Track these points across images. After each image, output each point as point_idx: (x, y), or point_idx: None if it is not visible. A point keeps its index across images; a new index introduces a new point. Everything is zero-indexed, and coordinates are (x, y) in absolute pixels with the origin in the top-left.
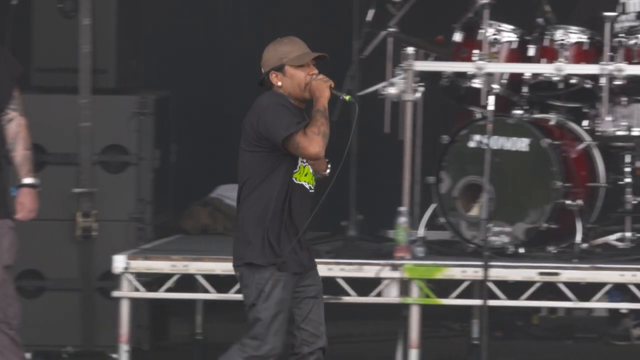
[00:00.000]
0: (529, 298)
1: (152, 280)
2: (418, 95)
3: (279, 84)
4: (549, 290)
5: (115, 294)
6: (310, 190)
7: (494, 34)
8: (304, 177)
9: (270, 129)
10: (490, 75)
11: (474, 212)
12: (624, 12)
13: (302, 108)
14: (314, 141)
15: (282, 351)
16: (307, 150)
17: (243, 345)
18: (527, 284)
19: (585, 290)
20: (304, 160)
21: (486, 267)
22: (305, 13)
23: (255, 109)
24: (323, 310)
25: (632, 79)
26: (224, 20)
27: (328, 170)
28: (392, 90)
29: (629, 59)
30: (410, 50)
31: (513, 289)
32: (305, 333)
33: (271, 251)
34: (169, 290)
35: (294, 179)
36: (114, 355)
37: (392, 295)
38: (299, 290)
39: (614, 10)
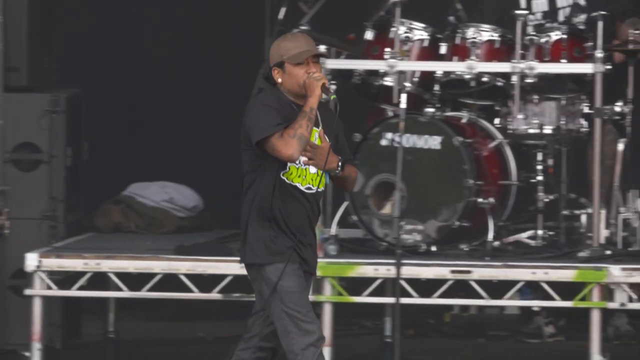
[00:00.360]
0: (441, 296)
1: (65, 279)
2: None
3: (279, 80)
4: (461, 288)
5: (28, 292)
6: (309, 191)
7: (406, 32)
8: (298, 178)
9: (248, 130)
10: (402, 73)
11: (387, 210)
12: (530, 12)
13: (302, 105)
14: (288, 144)
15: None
16: (281, 152)
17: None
18: (440, 282)
19: (497, 288)
20: (300, 162)
21: (399, 265)
22: (219, 12)
23: (246, 108)
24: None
25: (543, 77)
26: (136, 18)
27: (340, 169)
28: None
29: (540, 57)
30: (322, 48)
31: (425, 286)
32: (267, 329)
33: (266, 250)
34: (81, 288)
35: (284, 179)
36: (27, 354)
37: None
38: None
39: (517, 8)
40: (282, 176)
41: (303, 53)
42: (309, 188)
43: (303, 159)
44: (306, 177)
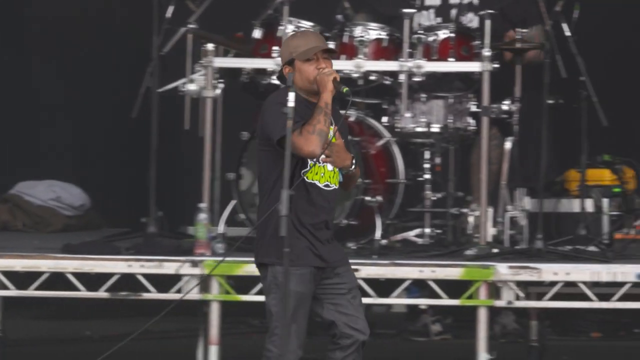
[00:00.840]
0: None
1: None
2: (218, 91)
3: (286, 72)
4: None
5: None
6: (328, 188)
7: (294, 31)
8: (316, 176)
9: (267, 130)
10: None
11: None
12: (423, 8)
13: (315, 102)
14: (308, 140)
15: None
16: (303, 149)
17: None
18: None
19: (384, 286)
20: (318, 160)
21: (286, 264)
22: (107, 10)
23: (262, 108)
24: (361, 306)
25: (431, 76)
26: (25, 16)
27: (353, 167)
28: (192, 87)
29: (428, 56)
30: (210, 46)
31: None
32: (343, 326)
33: (276, 249)
34: None
35: (305, 178)
36: None
37: (192, 292)
38: (329, 287)
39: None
40: (302, 175)
41: (312, 49)
42: (327, 185)
43: (322, 156)
44: (324, 174)
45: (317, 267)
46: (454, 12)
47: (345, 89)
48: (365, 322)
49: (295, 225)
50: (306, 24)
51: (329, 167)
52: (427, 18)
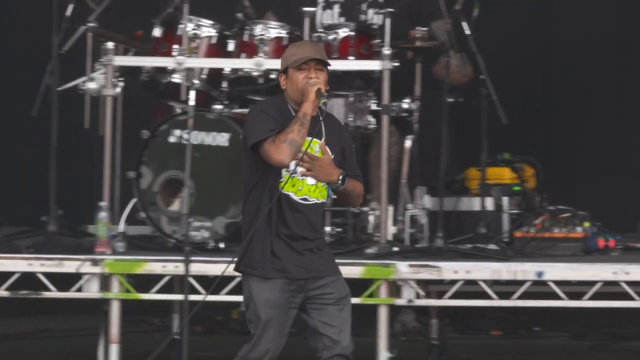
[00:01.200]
0: (229, 293)
1: None
2: (118, 90)
3: (284, 87)
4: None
5: None
6: (305, 202)
7: (194, 29)
8: (292, 188)
9: (245, 136)
10: (190, 70)
11: (175, 207)
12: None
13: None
14: (279, 148)
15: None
16: (272, 157)
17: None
18: (228, 279)
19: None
20: (293, 171)
21: (187, 262)
22: (6, 7)
23: (247, 115)
24: (347, 318)
25: (332, 74)
26: None
27: (340, 182)
28: (91, 85)
29: (329, 54)
30: (110, 45)
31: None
32: (326, 338)
33: (250, 260)
34: None
35: (280, 189)
36: None
37: (92, 291)
38: (316, 296)
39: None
40: (277, 185)
41: (302, 58)
42: (304, 199)
43: (300, 169)
44: (302, 187)
45: (293, 278)
46: (362, 8)
47: (323, 101)
48: (349, 335)
49: (271, 234)
50: (206, 22)
51: (310, 181)
52: (330, 17)
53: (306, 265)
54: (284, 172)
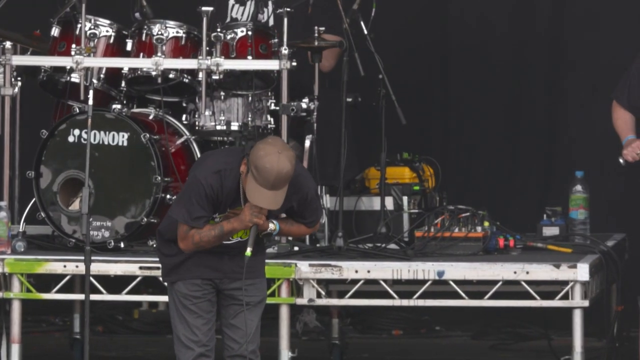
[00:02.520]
0: (130, 292)
1: None
2: (16, 90)
3: (242, 172)
4: (150, 285)
5: None
6: (227, 242)
7: (92, 29)
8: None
9: (178, 197)
10: (88, 69)
11: (75, 206)
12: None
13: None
14: (186, 241)
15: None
16: (179, 242)
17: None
18: (129, 279)
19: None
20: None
21: (88, 262)
22: None
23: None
24: (254, 321)
25: (230, 74)
26: None
27: (270, 229)
28: None
29: (227, 54)
30: (8, 44)
31: (114, 283)
32: (228, 338)
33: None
34: None
35: None
36: None
37: None
38: (228, 295)
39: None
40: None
41: (255, 196)
42: (228, 239)
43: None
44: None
45: (209, 278)
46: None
47: (248, 253)
48: (253, 337)
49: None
50: (104, 22)
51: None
52: (242, 13)
53: (221, 267)
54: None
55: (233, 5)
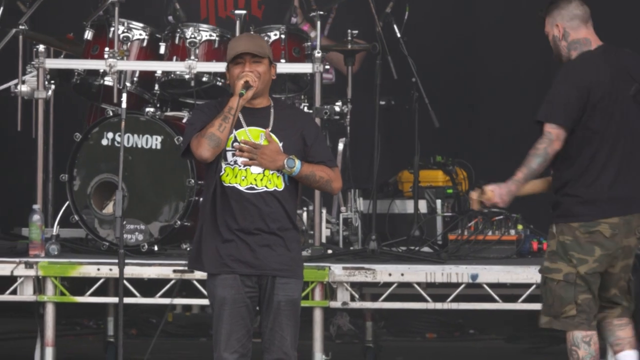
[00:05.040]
0: (164, 295)
1: None
2: (50, 93)
3: (228, 82)
4: (183, 288)
5: None
6: (252, 191)
7: (125, 32)
8: (235, 179)
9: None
10: (121, 72)
11: (108, 209)
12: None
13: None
14: (199, 143)
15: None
16: (194, 153)
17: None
18: (162, 282)
19: None
20: (233, 162)
21: (121, 265)
22: None
23: None
24: (289, 323)
25: None
26: None
27: (288, 168)
28: (23, 88)
29: None
30: (41, 47)
31: (148, 286)
32: (267, 341)
33: (197, 256)
34: None
35: (222, 182)
36: None
37: (27, 293)
38: (265, 297)
39: None
40: (220, 179)
41: (234, 53)
42: (250, 188)
43: (241, 159)
44: (246, 177)
45: (241, 274)
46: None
47: (242, 91)
48: (286, 340)
49: (222, 230)
50: (137, 25)
51: (255, 169)
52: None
53: (256, 263)
54: (224, 165)
55: None
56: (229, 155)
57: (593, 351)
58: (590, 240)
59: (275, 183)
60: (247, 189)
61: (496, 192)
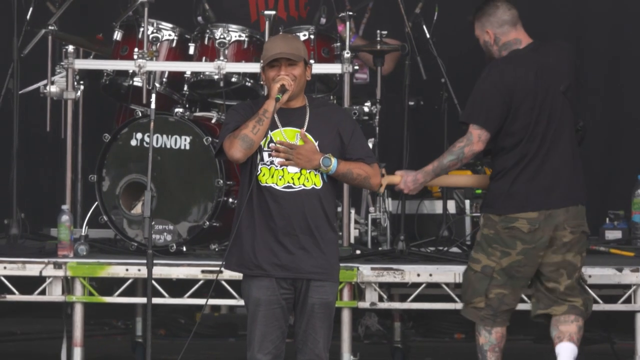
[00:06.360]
0: (192, 296)
1: None
2: (79, 93)
3: (264, 84)
4: (212, 288)
5: None
6: (289, 190)
7: (154, 32)
8: (272, 179)
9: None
10: (150, 73)
11: (137, 210)
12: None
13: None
14: (232, 144)
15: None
16: (227, 154)
17: None
18: (191, 282)
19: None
20: (270, 162)
21: (150, 265)
22: None
23: None
24: (322, 325)
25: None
26: None
27: (324, 167)
28: (52, 89)
29: None
30: (70, 48)
31: (176, 286)
32: (300, 342)
33: (237, 258)
34: None
35: (259, 182)
36: None
37: (55, 294)
38: (299, 299)
39: None
40: (256, 179)
41: (270, 57)
42: (288, 187)
43: (278, 160)
44: (283, 177)
45: (277, 277)
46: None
47: (278, 96)
48: (319, 343)
49: (258, 230)
50: (166, 26)
51: (292, 169)
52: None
53: (292, 266)
54: (260, 165)
55: None
56: (265, 155)
57: (494, 340)
58: (510, 235)
59: (314, 181)
60: (284, 187)
61: (403, 179)
